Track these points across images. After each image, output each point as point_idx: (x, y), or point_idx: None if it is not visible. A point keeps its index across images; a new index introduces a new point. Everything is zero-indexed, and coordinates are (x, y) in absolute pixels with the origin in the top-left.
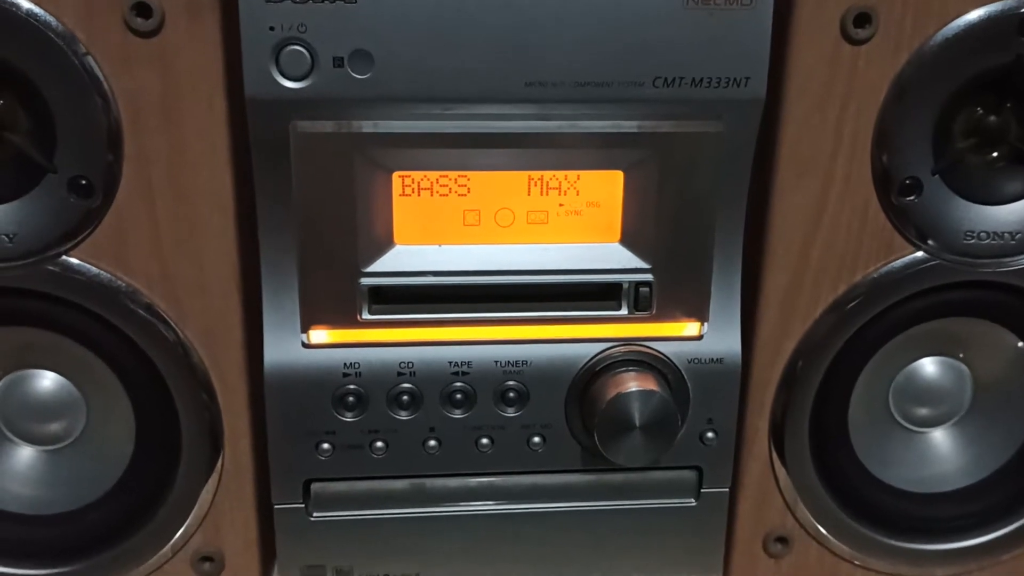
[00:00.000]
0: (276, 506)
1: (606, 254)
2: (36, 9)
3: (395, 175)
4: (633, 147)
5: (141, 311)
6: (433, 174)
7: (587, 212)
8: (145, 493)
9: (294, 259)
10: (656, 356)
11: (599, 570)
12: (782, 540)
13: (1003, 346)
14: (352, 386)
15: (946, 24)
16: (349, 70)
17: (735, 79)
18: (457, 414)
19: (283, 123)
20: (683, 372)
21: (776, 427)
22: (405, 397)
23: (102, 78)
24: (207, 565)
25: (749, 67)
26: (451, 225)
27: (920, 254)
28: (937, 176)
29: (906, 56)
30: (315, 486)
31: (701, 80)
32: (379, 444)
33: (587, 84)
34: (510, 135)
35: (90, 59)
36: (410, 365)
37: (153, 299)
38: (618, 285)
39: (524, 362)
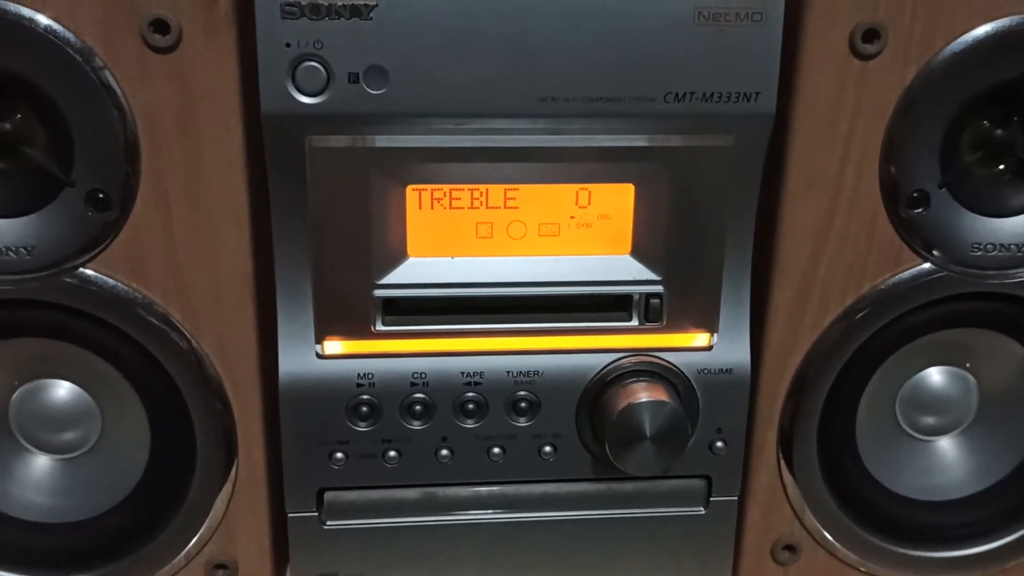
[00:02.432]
0: (290, 514)
1: (617, 266)
2: (54, 25)
3: (409, 188)
4: (644, 161)
5: (156, 322)
6: (446, 187)
7: (598, 224)
8: (159, 501)
9: (309, 271)
10: (666, 366)
11: None
12: (790, 548)
13: (1009, 356)
14: (365, 396)
15: (954, 39)
16: (364, 86)
17: (745, 94)
18: (469, 424)
19: (299, 138)
20: (693, 382)
21: (784, 436)
22: (418, 407)
23: (119, 93)
24: (221, 573)
25: (759, 82)
26: (464, 237)
27: (927, 266)
28: (944, 189)
29: (914, 71)
30: (328, 495)
31: (711, 95)
32: (392, 453)
33: (599, 99)
34: (523, 149)
35: (107, 74)
36: (423, 375)
37: (168, 310)
38: (629, 296)
39: (536, 372)
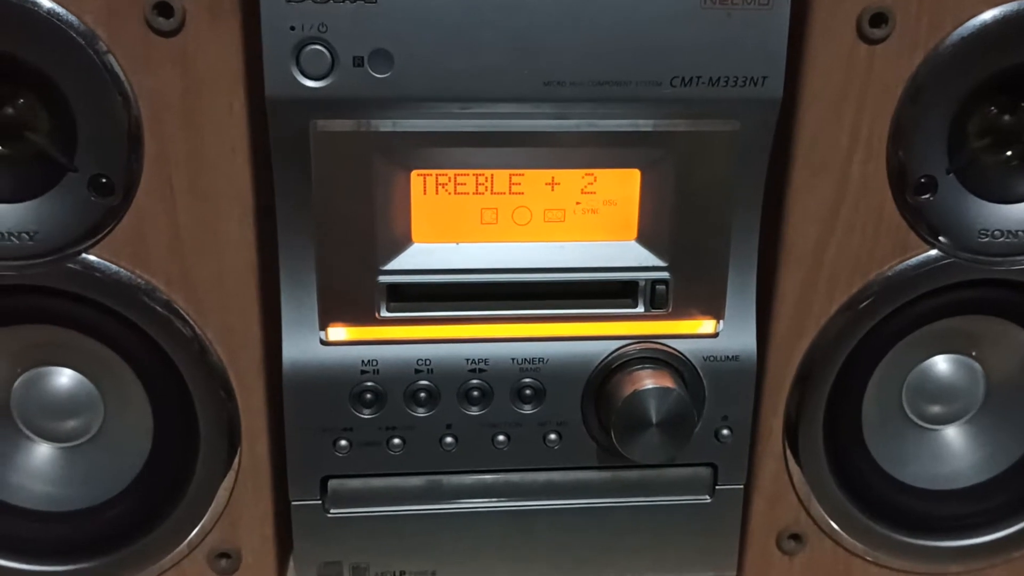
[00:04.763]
0: (293, 503)
1: (623, 252)
2: (57, 8)
3: (413, 173)
4: (650, 146)
5: (160, 308)
6: (451, 172)
7: (604, 210)
8: (162, 490)
9: (312, 257)
10: (672, 354)
11: (614, 566)
12: (796, 537)
13: (1016, 344)
14: (370, 383)
15: (961, 24)
16: (369, 69)
17: (752, 78)
18: (474, 411)
19: (303, 122)
20: (699, 370)
21: (790, 424)
22: (422, 394)
23: (123, 77)
24: (224, 562)
25: (766, 67)
26: (469, 223)
27: (934, 252)
28: (952, 175)
29: (922, 56)
30: (332, 483)
31: (718, 79)
32: (396, 441)
33: (604, 83)
34: (528, 134)
35: (111, 58)
36: (427, 362)
37: (172, 296)
38: (634, 283)
39: (541, 359)
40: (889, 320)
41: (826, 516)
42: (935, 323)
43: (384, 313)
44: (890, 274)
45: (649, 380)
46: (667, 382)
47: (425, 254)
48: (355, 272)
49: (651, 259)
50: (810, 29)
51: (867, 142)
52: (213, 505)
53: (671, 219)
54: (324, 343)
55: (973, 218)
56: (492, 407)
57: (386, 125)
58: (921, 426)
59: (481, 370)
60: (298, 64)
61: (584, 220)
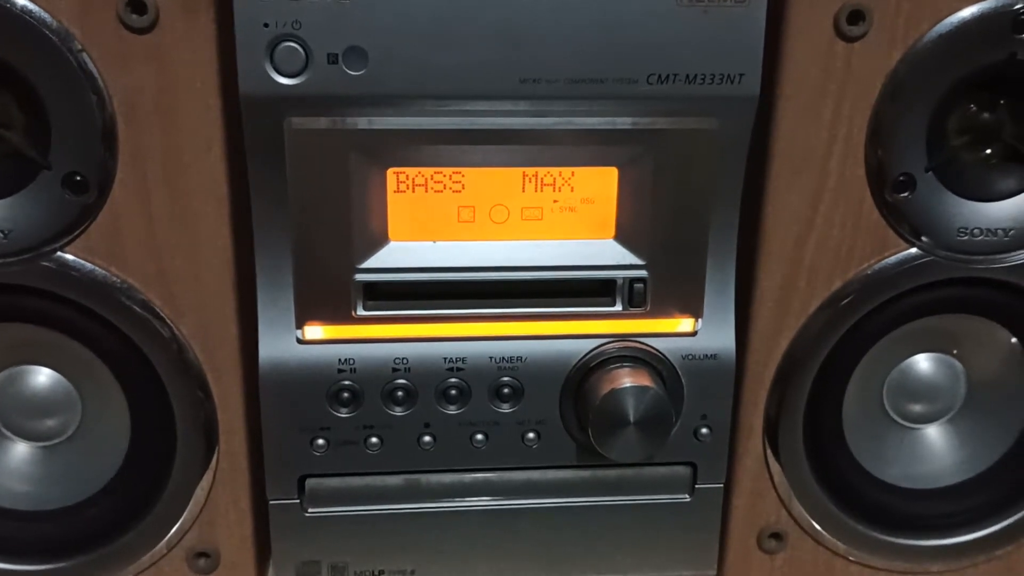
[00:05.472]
0: (271, 502)
1: (600, 250)
2: (31, 5)
3: (389, 171)
4: (627, 144)
5: (136, 307)
6: (427, 170)
7: (581, 208)
8: (140, 489)
9: (289, 255)
10: (650, 352)
11: (593, 566)
12: (776, 536)
13: (997, 342)
14: (347, 382)
15: (940, 21)
16: (343, 67)
17: (729, 76)
18: (452, 410)
19: (277, 120)
20: (677, 368)
21: (770, 423)
22: (400, 393)
23: (97, 75)
24: (202, 561)
25: (743, 64)
26: (445, 221)
27: (914, 251)
28: (931, 173)
29: (900, 53)
30: (310, 482)
31: (695, 77)
32: (374, 440)
33: (582, 81)
34: (505, 131)
35: (85, 56)
36: (405, 361)
37: (148, 295)
38: (612, 281)
39: (519, 358)
40: (869, 318)
41: (807, 515)
42: (915, 321)
43: (361, 312)
44: (870, 272)
45: (627, 379)
46: (645, 380)
47: (402, 252)
48: (331, 270)
49: (629, 257)
50: (787, 26)
51: (845, 140)
52: (191, 504)
53: (649, 217)
54: (301, 342)
55: (952, 216)
56: (470, 406)
57: (361, 123)
58: (902, 425)
59: (459, 369)
60: (272, 61)
61: (562, 218)
